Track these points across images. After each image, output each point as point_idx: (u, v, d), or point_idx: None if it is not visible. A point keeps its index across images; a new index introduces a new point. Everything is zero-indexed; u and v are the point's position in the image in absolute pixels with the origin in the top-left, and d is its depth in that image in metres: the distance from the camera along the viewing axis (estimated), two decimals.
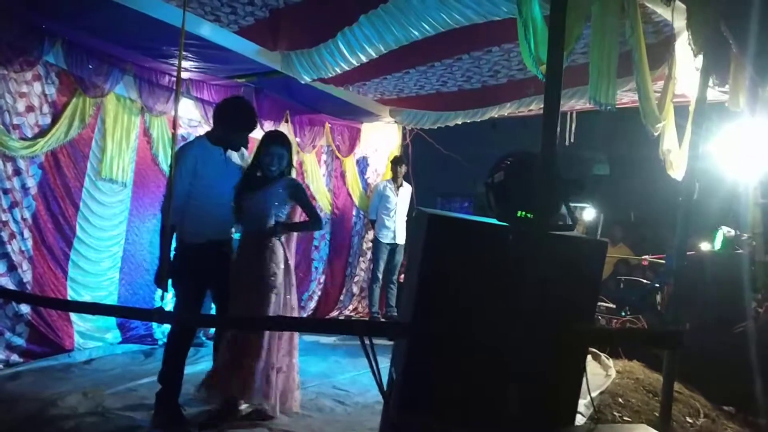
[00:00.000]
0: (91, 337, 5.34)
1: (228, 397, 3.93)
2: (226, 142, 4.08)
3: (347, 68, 4.97)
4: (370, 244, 8.30)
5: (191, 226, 3.94)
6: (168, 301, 5.78)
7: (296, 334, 4.23)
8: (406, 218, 7.85)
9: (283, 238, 4.08)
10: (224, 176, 4.03)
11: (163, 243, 3.87)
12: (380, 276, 7.79)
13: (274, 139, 4.13)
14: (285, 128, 7.17)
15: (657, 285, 7.50)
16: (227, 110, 4.11)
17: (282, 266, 4.04)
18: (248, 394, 3.90)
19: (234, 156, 4.17)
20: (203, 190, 3.94)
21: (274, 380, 3.97)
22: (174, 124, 3.83)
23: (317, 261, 7.86)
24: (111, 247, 5.62)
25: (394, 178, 7.87)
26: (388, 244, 7.75)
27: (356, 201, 8.33)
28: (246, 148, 4.28)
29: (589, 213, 9.92)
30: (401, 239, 7.79)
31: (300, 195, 4.16)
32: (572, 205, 2.08)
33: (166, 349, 4.02)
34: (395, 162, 7.96)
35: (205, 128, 6.33)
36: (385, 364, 2.60)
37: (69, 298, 5.15)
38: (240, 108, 4.18)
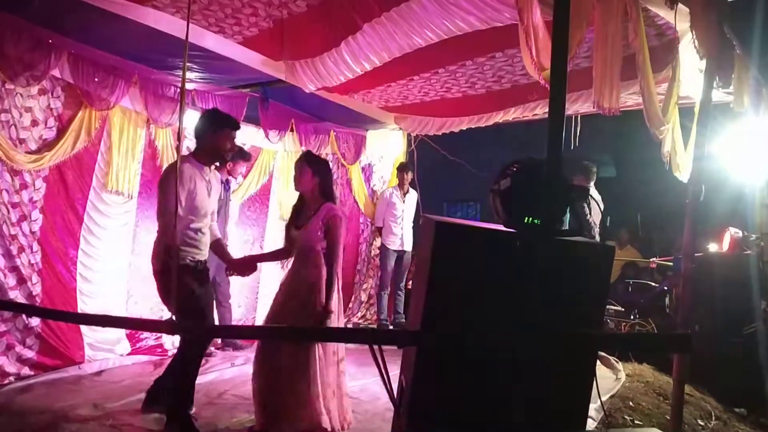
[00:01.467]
0: (101, 349, 5.36)
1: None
2: (215, 154, 4.07)
3: (351, 77, 4.99)
4: (378, 252, 8.30)
5: (183, 247, 3.89)
6: None
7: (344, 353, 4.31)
8: (412, 225, 7.87)
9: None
10: (209, 196, 4.05)
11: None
12: (388, 283, 7.80)
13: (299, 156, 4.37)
14: (290, 137, 7.20)
15: (665, 288, 7.48)
16: (204, 119, 4.10)
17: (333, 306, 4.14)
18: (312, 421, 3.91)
19: (216, 177, 4.19)
20: (193, 209, 3.93)
21: (330, 401, 4.03)
22: (179, 135, 3.85)
23: None
24: (117, 259, 5.64)
25: (401, 185, 7.89)
26: (395, 250, 7.76)
27: (362, 208, 8.34)
28: (227, 156, 4.26)
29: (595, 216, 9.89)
30: (408, 246, 7.80)
31: (332, 231, 4.12)
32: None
33: (180, 362, 3.97)
34: (401, 169, 7.98)
35: None
36: (394, 370, 2.61)
37: (79, 310, 5.18)
38: (213, 111, 4.30)
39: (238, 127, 4.17)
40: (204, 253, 4.07)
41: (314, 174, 4.17)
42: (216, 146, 4.01)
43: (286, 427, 3.87)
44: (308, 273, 4.08)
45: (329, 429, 3.92)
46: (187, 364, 3.93)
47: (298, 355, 3.94)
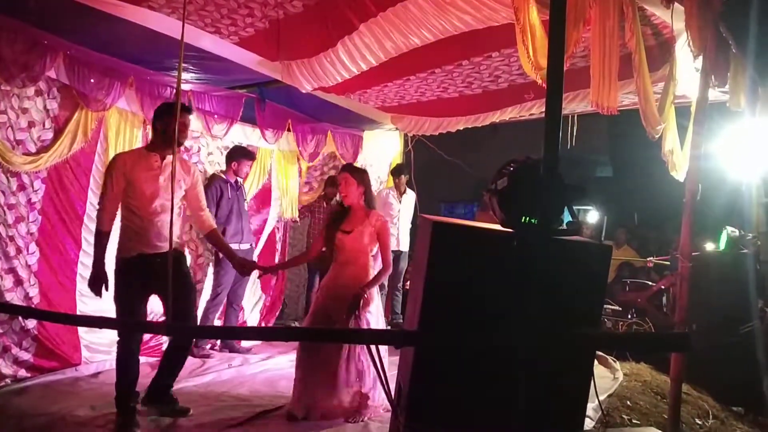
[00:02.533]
0: (98, 351, 5.33)
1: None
2: (166, 140, 4.01)
3: (348, 77, 4.98)
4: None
5: (122, 240, 4.08)
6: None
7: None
8: (410, 225, 7.86)
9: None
10: (159, 186, 4.06)
11: (97, 248, 4.02)
12: (385, 283, 7.77)
13: (341, 168, 4.74)
14: (287, 137, 7.20)
15: (662, 287, 7.50)
16: (157, 109, 4.24)
17: (375, 304, 4.52)
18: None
19: (178, 169, 4.09)
20: (137, 199, 4.02)
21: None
22: (174, 136, 3.85)
23: None
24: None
25: (396, 187, 7.86)
26: (392, 251, 7.73)
27: None
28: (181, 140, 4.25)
29: (592, 216, 9.94)
30: (405, 246, 7.78)
31: (384, 236, 4.54)
32: (576, 208, 2.08)
33: (117, 357, 4.09)
34: (395, 173, 7.92)
35: (207, 138, 6.36)
36: (392, 371, 2.60)
37: (78, 311, 5.16)
38: (165, 102, 4.58)
39: (189, 111, 4.31)
40: (157, 246, 4.07)
41: (359, 184, 4.51)
42: (167, 131, 3.99)
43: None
44: (358, 275, 4.44)
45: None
46: (119, 359, 4.05)
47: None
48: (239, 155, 6.22)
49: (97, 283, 3.95)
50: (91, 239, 5.25)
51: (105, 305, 5.44)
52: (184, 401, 4.42)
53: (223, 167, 6.35)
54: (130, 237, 4.05)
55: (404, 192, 7.88)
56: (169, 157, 4.08)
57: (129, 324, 3.81)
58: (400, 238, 7.75)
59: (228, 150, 6.37)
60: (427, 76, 5.69)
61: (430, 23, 4.12)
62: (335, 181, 7.35)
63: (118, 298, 4.04)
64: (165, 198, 4.08)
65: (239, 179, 6.29)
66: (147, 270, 3.97)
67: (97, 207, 4.14)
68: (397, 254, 7.75)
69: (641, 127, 4.19)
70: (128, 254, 4.02)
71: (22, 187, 4.75)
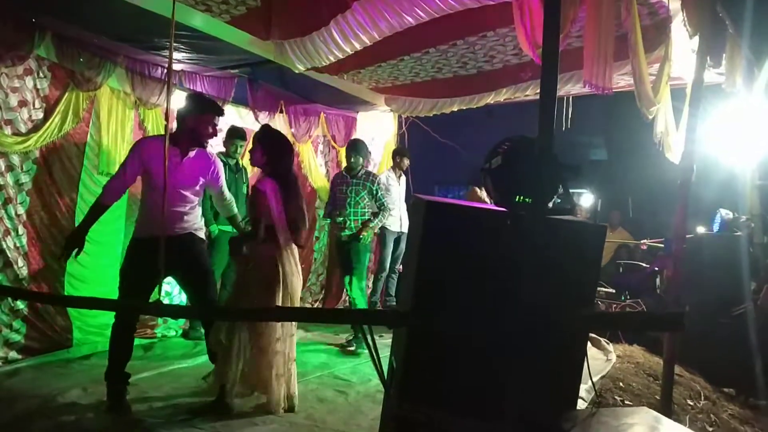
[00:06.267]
0: (90, 332, 5.31)
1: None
2: (193, 138, 4.00)
3: (341, 56, 4.92)
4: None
5: (139, 221, 4.13)
6: (168, 293, 5.79)
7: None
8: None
9: None
10: (179, 177, 3.99)
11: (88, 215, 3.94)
12: (386, 266, 7.69)
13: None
14: (280, 119, 7.13)
15: (656, 269, 7.52)
16: (189, 102, 4.14)
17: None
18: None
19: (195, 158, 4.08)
20: (152, 187, 3.95)
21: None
22: (167, 116, 3.81)
23: (317, 252, 7.84)
24: (110, 241, 5.57)
25: (397, 168, 7.72)
26: (395, 232, 7.63)
27: None
28: (205, 141, 4.13)
29: (587, 198, 9.93)
30: (406, 227, 7.69)
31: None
32: (570, 190, 2.06)
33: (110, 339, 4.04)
34: (399, 154, 7.76)
35: None
36: (385, 353, 2.59)
37: (66, 294, 5.12)
38: (199, 95, 4.47)
39: (221, 113, 4.18)
40: (158, 231, 3.88)
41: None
42: (196, 130, 3.98)
43: None
44: None
45: None
46: (112, 339, 4.01)
47: None
48: (227, 135, 6.12)
49: (70, 245, 3.81)
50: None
51: (95, 287, 5.43)
52: (174, 381, 4.44)
53: (218, 149, 6.28)
54: (145, 218, 4.02)
55: (400, 175, 7.78)
56: (191, 153, 4.04)
57: (117, 304, 3.79)
58: (403, 219, 7.65)
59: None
60: (422, 56, 5.65)
61: (425, 2, 4.07)
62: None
63: (125, 275, 4.02)
64: (180, 189, 4.02)
65: (239, 161, 6.21)
66: (156, 250, 3.84)
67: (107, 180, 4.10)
68: (399, 235, 7.66)
69: (636, 109, 4.17)
70: (142, 235, 4.01)
71: (10, 168, 4.69)
